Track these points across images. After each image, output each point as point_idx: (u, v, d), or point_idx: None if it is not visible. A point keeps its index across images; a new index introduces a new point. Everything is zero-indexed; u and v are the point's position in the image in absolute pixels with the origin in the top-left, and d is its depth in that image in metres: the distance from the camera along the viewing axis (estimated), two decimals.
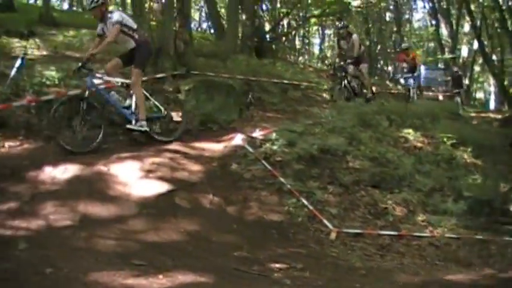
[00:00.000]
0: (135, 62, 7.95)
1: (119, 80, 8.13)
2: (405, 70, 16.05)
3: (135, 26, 8.06)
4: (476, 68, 34.96)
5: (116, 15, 7.81)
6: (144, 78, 8.62)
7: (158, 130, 8.39)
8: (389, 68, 34.76)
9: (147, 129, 7.97)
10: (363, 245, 6.28)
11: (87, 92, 7.66)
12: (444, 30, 29.71)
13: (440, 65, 27.73)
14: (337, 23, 20.96)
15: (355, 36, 13.28)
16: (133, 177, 6.54)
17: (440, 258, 6.25)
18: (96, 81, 7.83)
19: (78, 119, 7.62)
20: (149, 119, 8.10)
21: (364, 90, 13.12)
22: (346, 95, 12.52)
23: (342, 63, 12.94)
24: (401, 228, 6.80)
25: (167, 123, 8.54)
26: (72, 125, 7.66)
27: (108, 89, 8.16)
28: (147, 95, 8.21)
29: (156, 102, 8.41)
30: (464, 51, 29.90)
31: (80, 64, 7.77)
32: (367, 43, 34.54)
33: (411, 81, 15.51)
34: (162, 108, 8.41)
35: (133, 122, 7.94)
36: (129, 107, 8.06)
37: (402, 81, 16.69)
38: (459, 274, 5.63)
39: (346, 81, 12.64)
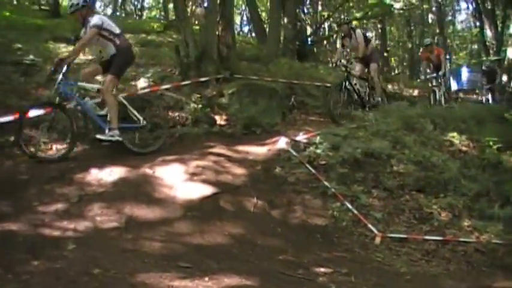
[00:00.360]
0: (111, 68, 7.63)
1: (94, 87, 7.82)
2: (429, 69, 14.76)
3: (117, 31, 7.70)
4: None
5: (95, 19, 7.50)
6: (173, 85, 8.52)
7: (136, 141, 7.93)
8: None
9: (119, 139, 7.50)
10: (408, 250, 6.22)
11: (57, 99, 7.35)
12: (489, 32, 29.07)
13: (485, 68, 27.20)
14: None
15: (358, 31, 12.26)
16: (178, 180, 6.59)
17: (486, 265, 6.13)
18: (69, 87, 7.50)
19: (46, 127, 7.39)
20: (123, 129, 7.68)
21: (373, 93, 12.01)
22: (346, 99, 11.31)
23: (344, 62, 11.66)
24: (447, 233, 6.69)
25: (146, 133, 8.24)
26: (40, 133, 7.47)
27: (84, 95, 7.89)
28: (125, 103, 7.82)
29: (134, 111, 7.89)
30: (509, 53, 29.20)
31: (52, 69, 7.57)
32: (409, 46, 34.28)
33: (436, 81, 13.42)
34: (140, 118, 7.88)
35: (106, 131, 7.50)
36: (104, 116, 7.66)
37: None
38: (507, 281, 5.54)
39: (347, 82, 11.27)
